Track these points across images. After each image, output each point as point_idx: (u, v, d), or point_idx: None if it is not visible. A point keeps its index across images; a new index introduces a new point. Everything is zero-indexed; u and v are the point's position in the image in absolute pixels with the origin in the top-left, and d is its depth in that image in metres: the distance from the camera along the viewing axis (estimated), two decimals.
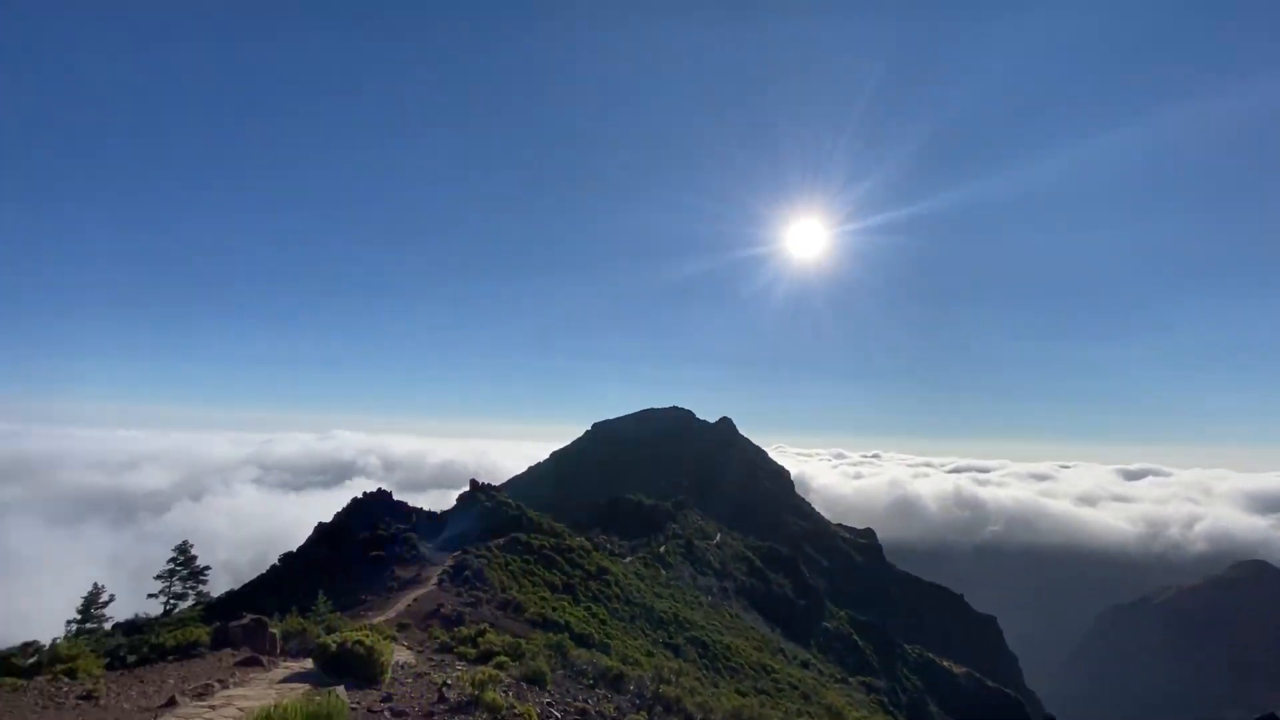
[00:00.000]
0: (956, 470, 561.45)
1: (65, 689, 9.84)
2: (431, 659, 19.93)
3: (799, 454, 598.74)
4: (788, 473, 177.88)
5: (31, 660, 12.54)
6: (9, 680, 10.52)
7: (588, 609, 44.06)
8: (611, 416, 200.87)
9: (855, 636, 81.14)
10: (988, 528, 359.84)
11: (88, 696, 9.44)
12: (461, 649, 23.00)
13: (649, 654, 38.48)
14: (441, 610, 33.70)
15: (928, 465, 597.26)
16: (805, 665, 61.46)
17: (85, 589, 27.33)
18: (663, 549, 71.81)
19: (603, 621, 42.63)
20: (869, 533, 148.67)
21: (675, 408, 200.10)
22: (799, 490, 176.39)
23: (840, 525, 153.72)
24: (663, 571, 64.91)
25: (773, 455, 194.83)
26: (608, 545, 65.72)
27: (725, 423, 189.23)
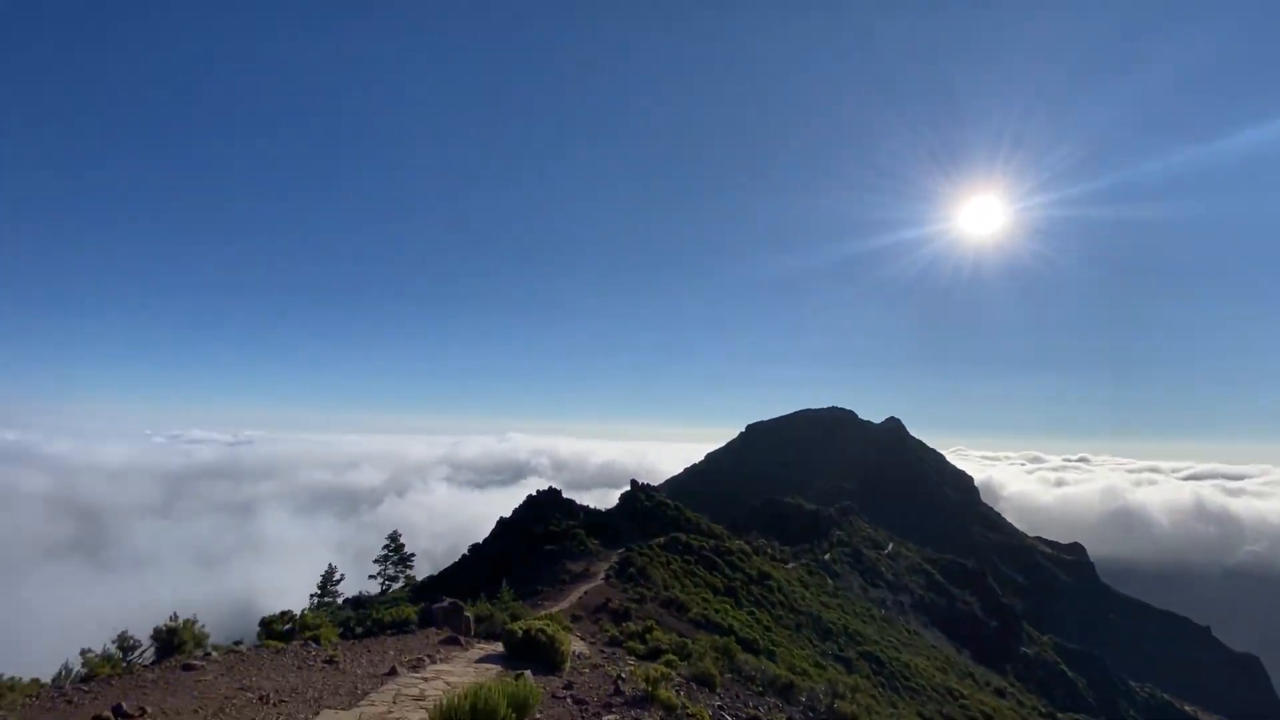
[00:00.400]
0: (1195, 477, 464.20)
1: (313, 653, 11.68)
2: (603, 651, 20.75)
3: (984, 458, 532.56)
4: (970, 478, 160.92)
5: (287, 627, 15.12)
6: (273, 643, 12.75)
7: (751, 614, 43.23)
8: (766, 418, 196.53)
9: (1063, 666, 70.75)
10: (1244, 548, 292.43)
11: (330, 661, 11.10)
12: (630, 644, 23.67)
13: (818, 665, 36.74)
14: (609, 605, 35.03)
15: (1153, 471, 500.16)
16: (1001, 694, 54.75)
17: (322, 569, 32.64)
18: (828, 556, 68.48)
19: (767, 628, 41.55)
20: (1077, 548, 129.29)
21: (834, 408, 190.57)
22: (985, 498, 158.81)
23: (1039, 538, 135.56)
24: (829, 580, 61.80)
25: (951, 459, 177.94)
26: (768, 550, 64.10)
27: (893, 423, 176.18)
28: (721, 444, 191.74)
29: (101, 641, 11.45)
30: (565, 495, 64.90)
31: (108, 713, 7.37)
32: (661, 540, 51.34)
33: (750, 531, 73.77)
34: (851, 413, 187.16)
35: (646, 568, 42.66)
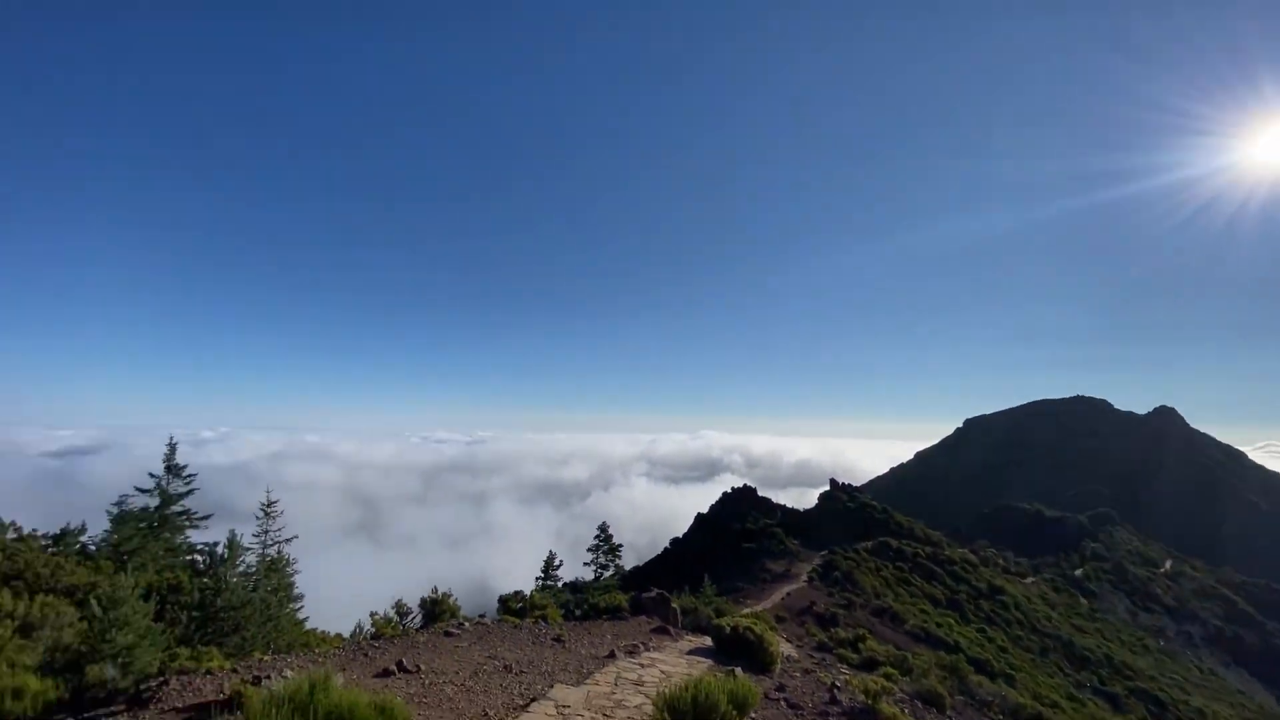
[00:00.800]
0: None
1: (543, 631, 12.89)
2: (812, 656, 19.92)
3: None
4: None
5: (519, 605, 16.92)
6: (510, 618, 14.33)
7: (980, 631, 38.46)
8: (988, 411, 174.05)
9: None
10: None
11: (558, 639, 12.15)
12: (841, 651, 22.44)
13: (1072, 698, 31.43)
14: (814, 608, 33.72)
15: None
16: None
17: (541, 554, 36.04)
18: (1080, 572, 58.33)
19: (1002, 649, 36.60)
20: None
21: (1079, 397, 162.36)
22: None
23: None
24: (1082, 600, 52.56)
25: (1257, 457, 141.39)
26: (999, 561, 56.51)
27: (1164, 414, 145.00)
28: (934, 441, 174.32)
29: (382, 607, 13.96)
30: (760, 493, 64.16)
31: (393, 666, 8.89)
32: (869, 544, 48.17)
33: (975, 539, 65.83)
34: (1104, 402, 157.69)
35: (853, 572, 40.30)
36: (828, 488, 67.66)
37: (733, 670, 10.61)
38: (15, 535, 15.32)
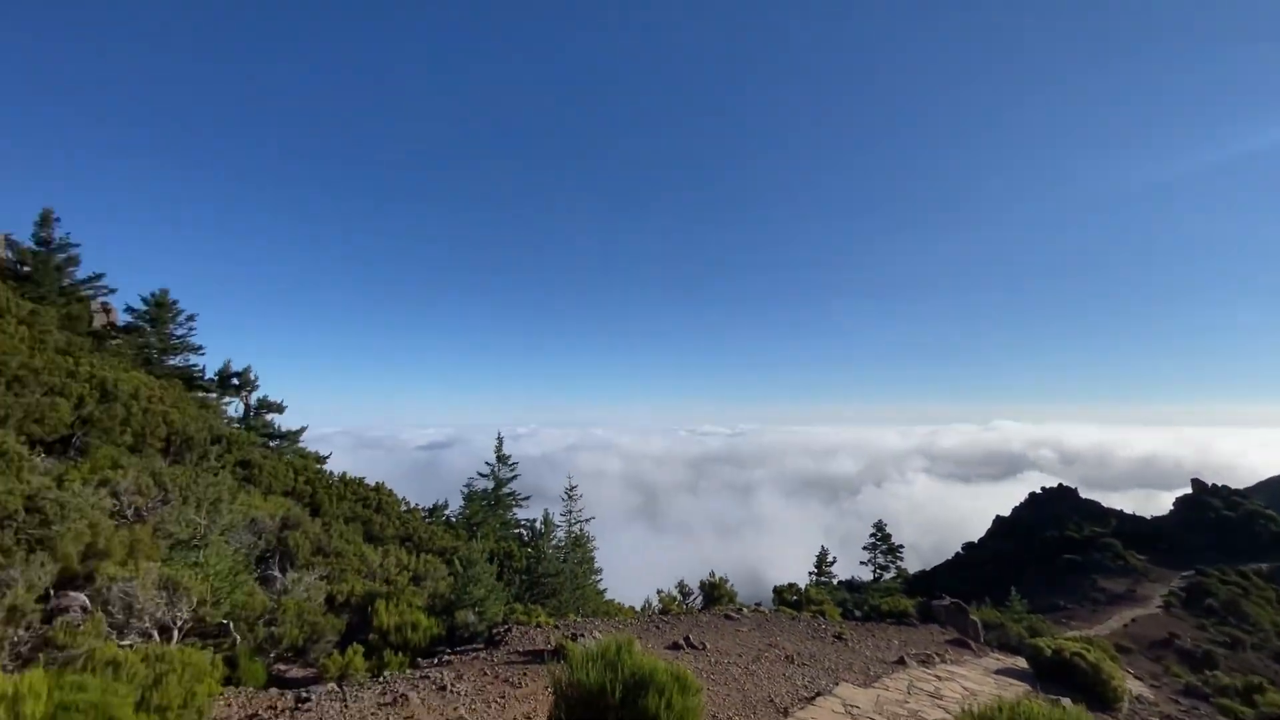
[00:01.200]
0: None
1: (822, 626, 12.52)
2: (1177, 700, 15.83)
3: None
4: None
5: (794, 598, 16.71)
6: (786, 610, 14.25)
7: None
8: None
9: None
10: None
11: (839, 637, 11.67)
12: (1224, 701, 17.46)
13: None
14: (1176, 641, 26.83)
15: None
16: None
17: (809, 547, 35.09)
18: None
19: None
20: None
21: None
22: None
23: None
24: None
25: None
26: None
27: None
28: None
29: (664, 585, 15.10)
30: (1083, 495, 53.16)
31: (681, 641, 9.54)
32: (1263, 566, 36.38)
33: None
34: None
35: (1239, 601, 30.87)
36: (1189, 490, 52.94)
37: (1058, 700, 8.91)
38: (406, 508, 20.52)
